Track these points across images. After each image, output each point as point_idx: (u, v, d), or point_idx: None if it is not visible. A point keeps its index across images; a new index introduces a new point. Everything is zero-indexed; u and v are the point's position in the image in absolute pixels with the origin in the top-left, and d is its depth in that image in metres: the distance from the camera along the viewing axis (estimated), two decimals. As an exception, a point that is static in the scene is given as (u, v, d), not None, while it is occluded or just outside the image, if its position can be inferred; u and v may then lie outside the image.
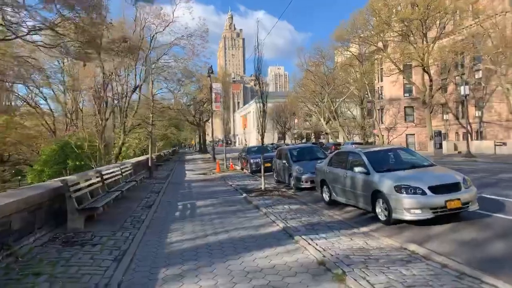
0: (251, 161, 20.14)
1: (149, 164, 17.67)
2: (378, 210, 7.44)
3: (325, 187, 9.80)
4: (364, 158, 8.13)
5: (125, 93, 32.12)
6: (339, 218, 7.83)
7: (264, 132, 12.21)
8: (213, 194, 11.99)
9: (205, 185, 14.73)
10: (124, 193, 9.81)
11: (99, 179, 8.86)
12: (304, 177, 12.29)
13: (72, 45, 11.23)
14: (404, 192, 6.81)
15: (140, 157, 22.81)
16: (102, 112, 32.12)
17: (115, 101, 33.48)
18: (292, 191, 12.56)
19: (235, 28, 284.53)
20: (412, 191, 6.79)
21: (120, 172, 11.59)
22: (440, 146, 39.73)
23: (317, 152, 14.28)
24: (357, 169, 8.04)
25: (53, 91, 46.63)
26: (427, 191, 6.76)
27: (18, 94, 45.74)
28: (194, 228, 7.22)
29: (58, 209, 6.86)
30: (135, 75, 31.59)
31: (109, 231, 6.81)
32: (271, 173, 17.56)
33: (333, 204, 9.48)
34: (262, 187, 12.23)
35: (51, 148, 36.50)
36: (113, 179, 10.32)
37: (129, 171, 13.64)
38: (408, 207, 6.71)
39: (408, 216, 6.74)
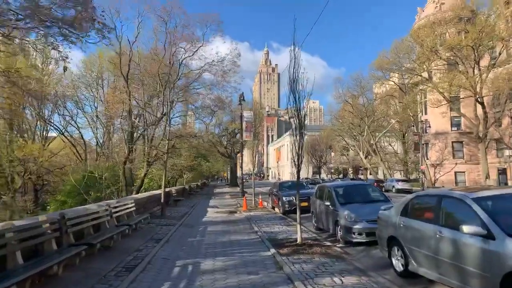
0: (284, 199, 16.77)
1: (162, 200, 14.85)
2: (517, 310, 3.94)
3: (396, 248, 6.34)
4: (478, 209, 4.71)
5: (152, 122, 30.25)
6: (432, 312, 4.39)
7: (301, 163, 9.03)
8: (230, 248, 8.78)
9: (224, 230, 11.53)
10: (97, 246, 6.85)
11: (55, 226, 5.97)
12: (357, 227, 8.85)
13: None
14: None
15: (154, 191, 20.17)
16: (126, 141, 30.42)
17: (142, 130, 31.75)
18: (340, 245, 9.11)
19: (270, 63, 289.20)
20: None
21: (108, 213, 8.69)
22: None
23: (372, 192, 10.76)
24: (466, 228, 4.61)
25: (87, 119, 46.51)
26: None
27: (53, 124, 45.84)
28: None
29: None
30: (163, 102, 29.74)
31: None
32: (308, 214, 14.18)
33: (410, 276, 6.02)
34: (298, 238, 8.89)
35: (75, 178, 35.20)
36: (88, 224, 7.39)
37: (129, 210, 10.79)
38: None
39: None
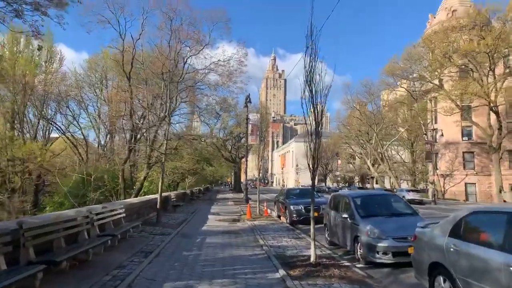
0: (291, 208, 15.37)
1: (158, 206, 13.49)
2: None
3: (442, 279, 4.95)
4: None
5: (153, 123, 29.01)
6: None
7: (317, 167, 7.68)
8: (231, 266, 7.39)
9: (225, 243, 10.15)
10: (63, 263, 5.48)
11: (7, 238, 4.62)
12: (382, 245, 7.45)
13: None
14: None
15: (151, 195, 18.83)
16: (127, 142, 29.28)
17: (144, 131, 30.54)
18: (360, 265, 7.73)
19: (277, 69, 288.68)
20: None
21: (89, 221, 7.34)
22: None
23: (397, 203, 9.31)
24: None
25: (90, 120, 45.46)
26: None
27: (55, 123, 44.81)
28: None
29: None
30: (165, 101, 28.57)
31: None
32: (318, 225, 12.82)
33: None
34: (312, 256, 7.50)
35: (74, 179, 34.10)
36: (58, 235, 6.04)
37: (117, 217, 9.47)
38: None
39: None
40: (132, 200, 14.01)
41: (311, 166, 7.68)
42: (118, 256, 7.55)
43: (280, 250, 9.01)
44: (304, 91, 7.72)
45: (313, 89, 7.62)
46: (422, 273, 5.43)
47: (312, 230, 7.68)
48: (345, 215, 8.83)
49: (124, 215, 9.96)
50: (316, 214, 14.82)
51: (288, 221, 15.56)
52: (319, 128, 7.62)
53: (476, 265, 4.31)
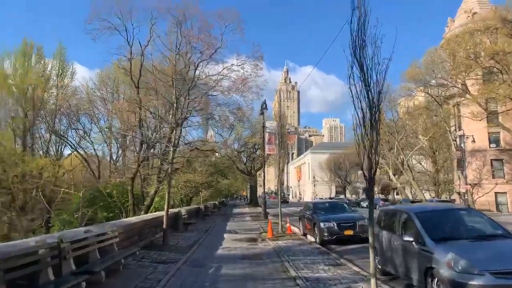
0: (322, 225, 12.96)
1: (164, 226, 11.32)
2: None
3: None
4: None
5: (163, 134, 27.21)
6: None
7: (375, 172, 5.47)
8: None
9: (247, 275, 7.90)
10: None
11: None
12: (475, 283, 5.10)
13: None
14: None
15: (158, 212, 16.62)
16: (135, 155, 27.52)
17: (154, 143, 28.77)
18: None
19: (290, 81, 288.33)
20: None
21: (56, 253, 5.22)
22: None
23: (477, 221, 6.88)
24: None
25: (102, 134, 44.21)
26: None
27: (67, 139, 43.71)
28: None
29: None
30: (175, 111, 26.76)
31: None
32: (355, 245, 10.63)
33: None
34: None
35: (84, 196, 32.42)
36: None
37: (107, 242, 7.35)
38: None
39: None
40: (131, 219, 11.85)
41: (366, 172, 5.48)
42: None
43: (321, 286, 6.72)
44: (352, 68, 5.59)
45: (365, 64, 5.49)
46: None
47: (372, 264, 5.41)
48: (408, 238, 6.49)
49: (117, 239, 7.86)
50: (351, 232, 12.58)
51: (317, 240, 13.19)
52: (376, 117, 5.45)
53: None
